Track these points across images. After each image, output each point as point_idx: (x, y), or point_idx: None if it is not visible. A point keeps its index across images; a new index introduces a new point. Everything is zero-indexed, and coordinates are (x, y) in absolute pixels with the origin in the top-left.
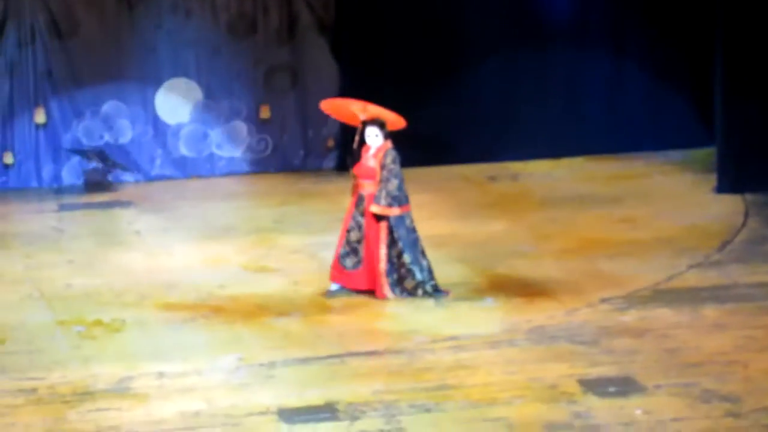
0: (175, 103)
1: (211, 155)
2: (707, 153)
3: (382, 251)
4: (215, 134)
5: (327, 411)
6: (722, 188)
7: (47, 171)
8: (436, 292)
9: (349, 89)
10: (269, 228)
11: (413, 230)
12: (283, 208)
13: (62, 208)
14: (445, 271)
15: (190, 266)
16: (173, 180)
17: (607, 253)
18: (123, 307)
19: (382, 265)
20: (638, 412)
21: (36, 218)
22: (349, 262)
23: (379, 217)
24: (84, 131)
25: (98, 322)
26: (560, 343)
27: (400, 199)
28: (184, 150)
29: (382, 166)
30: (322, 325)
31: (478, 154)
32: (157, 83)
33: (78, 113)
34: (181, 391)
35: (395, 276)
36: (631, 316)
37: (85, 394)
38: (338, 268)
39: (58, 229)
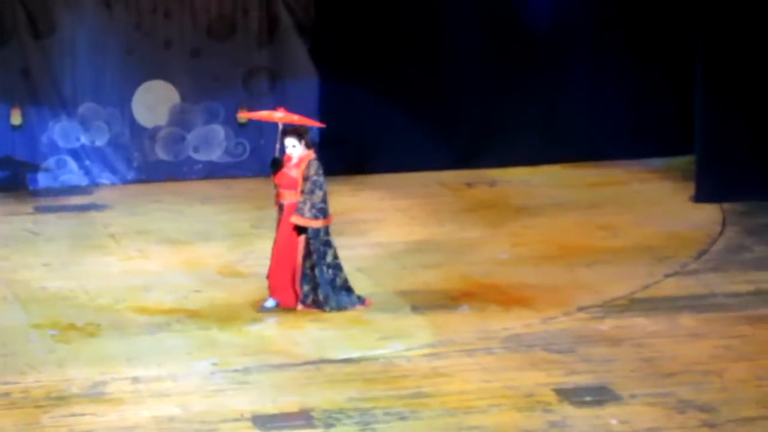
0: (152, 106)
1: (188, 158)
2: (687, 161)
3: (298, 261)
4: (192, 137)
5: (302, 418)
6: (700, 197)
7: (23, 172)
8: (344, 306)
9: (329, 92)
10: (246, 232)
11: (327, 243)
12: (260, 212)
13: (37, 210)
14: (421, 277)
15: (166, 270)
16: (150, 183)
17: (585, 261)
18: (98, 311)
19: (298, 275)
20: (614, 421)
21: (11, 220)
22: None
23: (300, 229)
24: (60, 133)
25: (73, 326)
26: (536, 352)
27: (324, 210)
28: (160, 153)
29: (305, 178)
30: (298, 331)
31: (456, 160)
32: (135, 85)
33: (54, 114)
34: (156, 396)
35: (307, 287)
36: (607, 325)
37: (60, 399)
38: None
39: (33, 232)
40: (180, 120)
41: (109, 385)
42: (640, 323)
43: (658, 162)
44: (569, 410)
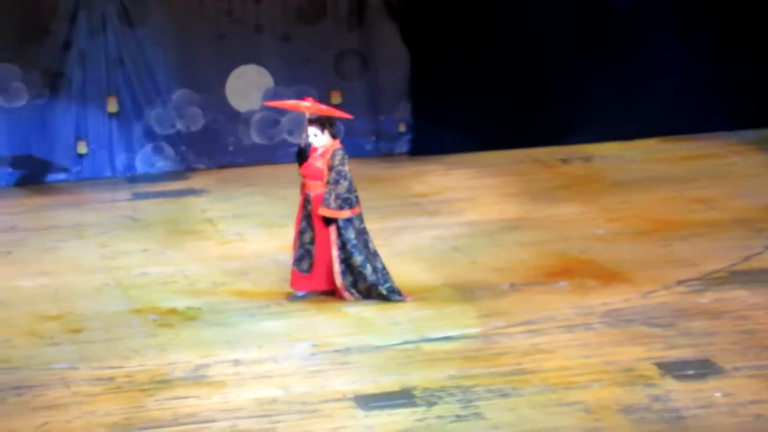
0: (245, 90)
1: (283, 142)
2: None
3: (334, 253)
4: (286, 121)
5: (403, 397)
6: None
7: (120, 160)
8: (392, 294)
9: (420, 73)
10: None
11: (363, 231)
12: None
13: (136, 196)
14: (517, 255)
15: (264, 253)
16: (245, 167)
17: (682, 235)
18: (197, 295)
19: (337, 267)
20: (717, 394)
21: (110, 207)
22: (305, 264)
23: (328, 220)
24: (156, 119)
25: (173, 311)
26: (636, 326)
27: (350, 201)
28: (255, 137)
29: (330, 168)
30: (396, 311)
31: (550, 136)
32: (228, 70)
33: (149, 101)
34: (258, 378)
35: (350, 278)
36: (707, 298)
37: (163, 382)
38: (296, 274)
39: (132, 218)
40: None
41: (210, 368)
42: (740, 296)
43: (752, 134)
44: (672, 384)
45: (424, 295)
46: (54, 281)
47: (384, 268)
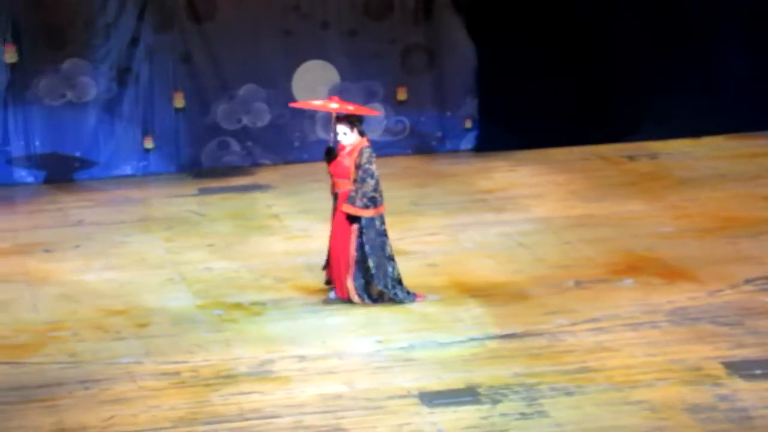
0: (311, 86)
1: None
2: None
3: (351, 253)
4: None
5: (468, 394)
6: None
7: (186, 155)
8: (405, 298)
9: (486, 69)
10: (406, 210)
11: (383, 233)
12: (420, 190)
13: (201, 192)
14: (583, 252)
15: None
16: (311, 163)
17: (750, 233)
18: (262, 291)
19: (351, 269)
20: None
21: (176, 202)
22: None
23: (352, 218)
24: (222, 114)
25: (238, 306)
26: (702, 325)
27: (375, 200)
28: (321, 133)
29: (357, 166)
30: (461, 308)
31: (616, 133)
32: (294, 65)
33: (216, 97)
34: (322, 373)
35: (362, 281)
36: None
37: (228, 377)
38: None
39: (198, 213)
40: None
41: (275, 363)
42: None
43: None
44: (739, 384)
45: (488, 291)
46: (120, 276)
47: (394, 274)
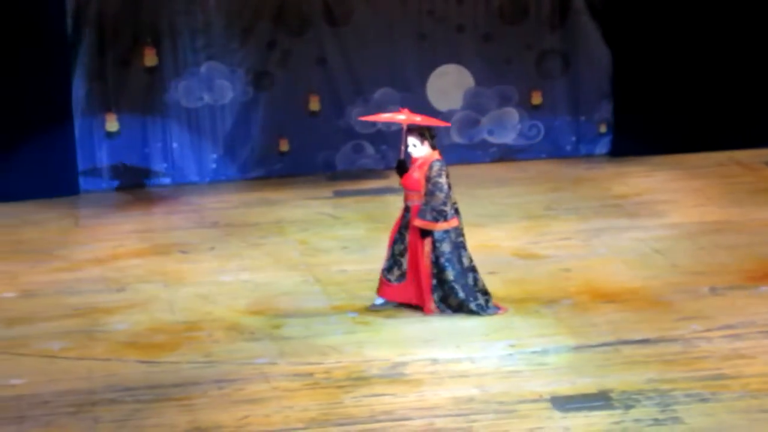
0: (446, 90)
1: (483, 141)
2: None
3: (427, 267)
4: (487, 120)
5: (600, 399)
6: None
7: (321, 158)
8: (481, 310)
9: (622, 73)
10: (540, 214)
11: (459, 245)
12: (554, 194)
13: (336, 194)
14: (718, 258)
15: None
16: None
17: None
18: None
19: (428, 281)
20: None
21: (310, 204)
22: (392, 275)
23: (423, 232)
24: (357, 118)
25: None
26: None
27: (445, 213)
28: (455, 137)
29: (427, 179)
30: (594, 313)
31: (753, 138)
32: (429, 70)
33: (351, 100)
34: (455, 377)
35: (440, 293)
36: None
37: (360, 379)
38: (383, 282)
39: (332, 216)
40: (474, 103)
41: (408, 366)
42: None
43: None
44: None
45: (622, 297)
46: (255, 277)
47: (476, 285)
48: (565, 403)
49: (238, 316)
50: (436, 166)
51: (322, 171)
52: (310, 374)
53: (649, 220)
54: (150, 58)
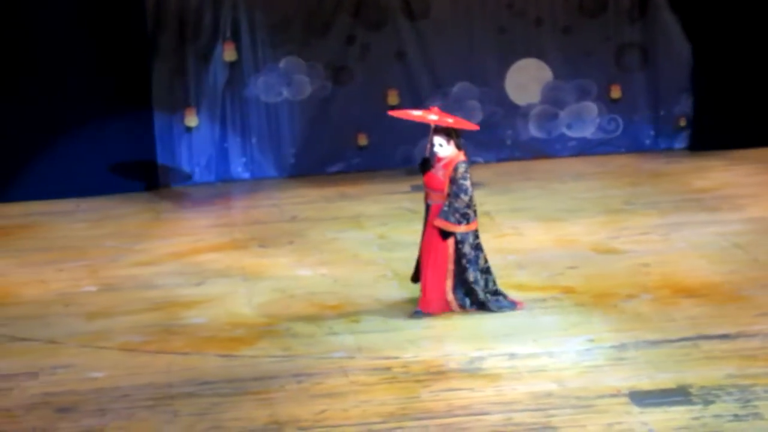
0: (524, 84)
1: (561, 135)
2: None
3: (449, 266)
4: (565, 114)
5: (679, 394)
6: None
7: (400, 152)
8: (502, 307)
9: (702, 67)
10: (619, 209)
11: (477, 246)
12: (633, 189)
13: (414, 189)
14: None
15: (540, 247)
16: (522, 161)
17: None
18: None
19: (449, 282)
20: None
21: (388, 199)
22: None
23: (444, 233)
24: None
25: None
26: None
27: (468, 216)
28: (533, 131)
29: (452, 180)
30: (673, 308)
31: None
32: (508, 64)
33: (429, 95)
34: (533, 371)
35: (462, 291)
36: None
37: (438, 374)
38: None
39: (410, 210)
40: (552, 97)
41: (485, 360)
42: None
43: None
44: None
45: (701, 291)
46: (333, 271)
47: (486, 286)
48: (643, 398)
49: (316, 310)
50: (462, 168)
51: (401, 165)
52: (388, 368)
53: (729, 214)
54: (229, 53)
